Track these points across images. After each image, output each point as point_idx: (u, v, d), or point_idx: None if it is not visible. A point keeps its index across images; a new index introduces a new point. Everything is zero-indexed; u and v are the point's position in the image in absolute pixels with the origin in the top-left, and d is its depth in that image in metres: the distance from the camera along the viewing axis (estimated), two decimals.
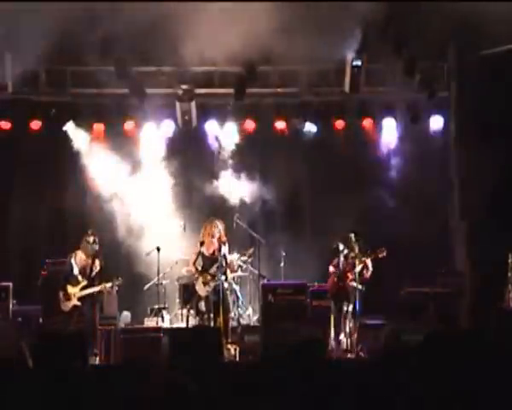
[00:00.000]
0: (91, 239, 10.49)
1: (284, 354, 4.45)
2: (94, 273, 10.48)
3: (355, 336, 10.60)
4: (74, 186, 12.48)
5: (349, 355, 10.39)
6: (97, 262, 10.53)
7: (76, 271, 10.45)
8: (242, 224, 12.01)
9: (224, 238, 10.91)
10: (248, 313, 11.99)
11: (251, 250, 11.79)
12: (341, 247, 10.87)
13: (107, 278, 10.55)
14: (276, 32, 9.98)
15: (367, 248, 10.81)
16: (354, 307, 10.64)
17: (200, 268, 10.91)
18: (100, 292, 10.58)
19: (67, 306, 10.41)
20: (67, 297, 10.40)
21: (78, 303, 10.39)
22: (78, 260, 10.49)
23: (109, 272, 10.85)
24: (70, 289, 10.41)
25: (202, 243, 10.91)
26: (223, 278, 10.73)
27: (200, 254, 10.93)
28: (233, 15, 9.89)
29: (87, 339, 9.50)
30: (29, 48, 10.53)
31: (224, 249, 10.86)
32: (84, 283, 10.42)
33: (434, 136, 12.59)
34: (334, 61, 11.95)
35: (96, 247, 10.52)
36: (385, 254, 10.76)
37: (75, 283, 10.44)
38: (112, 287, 10.61)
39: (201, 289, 10.90)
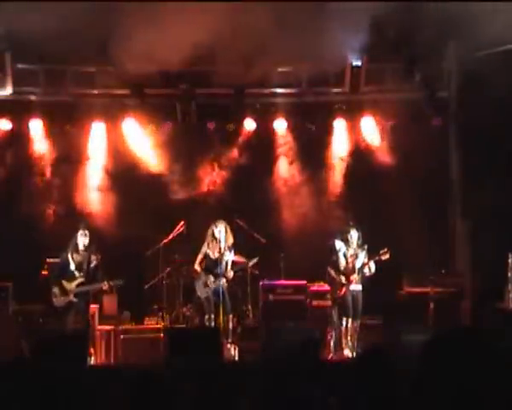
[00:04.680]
0: (82, 233, 10.45)
1: (284, 354, 4.46)
2: (91, 268, 10.44)
3: (355, 336, 10.58)
4: (74, 186, 12.49)
5: (349, 355, 10.38)
6: (93, 257, 10.49)
7: (73, 266, 10.41)
8: (242, 224, 12.00)
9: (229, 241, 10.91)
10: (248, 314, 11.98)
11: (255, 259, 11.24)
12: (338, 245, 10.64)
13: (107, 275, 10.50)
14: (276, 31, 9.98)
15: (364, 241, 10.66)
16: (355, 310, 10.58)
17: (204, 268, 10.91)
18: (99, 290, 10.58)
19: (63, 301, 10.32)
20: (64, 292, 10.35)
21: (75, 300, 10.33)
22: (74, 255, 10.45)
23: (110, 271, 10.86)
24: (66, 284, 10.35)
25: (208, 244, 10.91)
26: (224, 280, 10.75)
27: (205, 255, 10.93)
28: (232, 14, 9.89)
29: (86, 340, 9.50)
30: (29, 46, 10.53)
31: (229, 252, 10.86)
32: (82, 279, 10.38)
33: (434, 136, 12.58)
34: (335, 62, 11.94)
35: (87, 240, 10.45)
36: (388, 256, 10.50)
37: (71, 278, 10.37)
38: (112, 287, 10.59)
39: (201, 291, 10.89)
